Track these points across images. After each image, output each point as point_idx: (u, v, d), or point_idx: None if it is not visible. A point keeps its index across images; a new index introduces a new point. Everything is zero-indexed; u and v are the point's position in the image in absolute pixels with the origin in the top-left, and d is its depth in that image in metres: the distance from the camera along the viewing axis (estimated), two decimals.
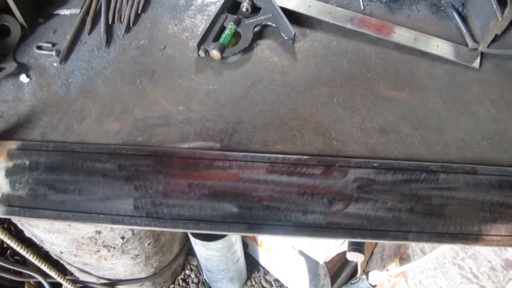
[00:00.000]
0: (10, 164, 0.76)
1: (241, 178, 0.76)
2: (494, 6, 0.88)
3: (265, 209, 0.74)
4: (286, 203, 0.75)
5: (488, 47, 0.93)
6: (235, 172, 0.76)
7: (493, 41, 0.93)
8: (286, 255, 1.79)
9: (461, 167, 0.78)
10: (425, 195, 0.76)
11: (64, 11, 0.99)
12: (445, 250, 1.19)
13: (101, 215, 0.74)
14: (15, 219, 1.16)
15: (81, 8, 0.98)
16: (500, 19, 0.88)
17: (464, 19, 0.99)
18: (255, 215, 0.74)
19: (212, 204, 0.75)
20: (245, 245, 2.05)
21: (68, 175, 0.75)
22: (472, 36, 0.96)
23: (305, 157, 0.78)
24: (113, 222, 0.73)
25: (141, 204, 0.74)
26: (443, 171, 0.77)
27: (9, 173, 0.76)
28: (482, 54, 0.94)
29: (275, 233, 0.74)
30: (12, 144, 0.78)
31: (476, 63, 0.93)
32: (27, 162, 0.76)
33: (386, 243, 1.64)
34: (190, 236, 1.71)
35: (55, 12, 0.99)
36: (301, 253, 1.66)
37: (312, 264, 1.67)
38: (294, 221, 0.74)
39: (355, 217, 0.74)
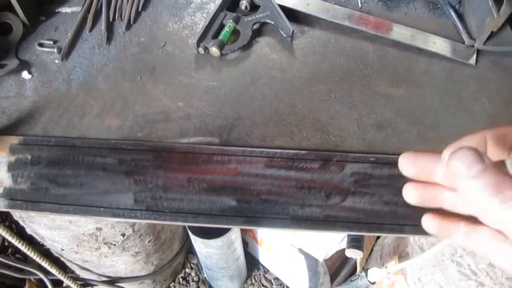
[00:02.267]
0: (12, 158, 0.77)
1: (239, 172, 0.77)
2: (490, 3, 0.89)
3: (264, 203, 0.75)
4: (284, 197, 0.76)
5: (484, 44, 0.94)
6: (234, 167, 0.77)
7: (489, 38, 0.94)
8: (285, 253, 1.80)
9: None
10: None
11: (65, 9, 1.00)
12: (444, 247, 1.19)
13: (102, 209, 0.75)
14: (16, 216, 1.17)
15: (82, 6, 0.99)
16: (496, 16, 0.89)
17: (460, 16, 1.00)
18: (253, 208, 0.75)
19: (211, 198, 0.75)
20: (245, 243, 2.06)
21: (69, 169, 0.76)
22: (469, 33, 0.97)
23: (303, 152, 0.79)
24: (114, 215, 0.74)
25: (141, 198, 0.75)
26: None
27: (11, 167, 0.77)
28: (478, 51, 0.95)
29: (273, 226, 0.75)
30: (14, 139, 0.79)
31: (472, 60, 0.94)
32: (29, 157, 0.77)
33: (385, 241, 1.64)
34: (190, 233, 1.71)
35: (56, 10, 1.00)
36: (301, 251, 1.66)
37: (311, 262, 1.68)
38: (291, 214, 0.75)
39: (352, 210, 0.75)
